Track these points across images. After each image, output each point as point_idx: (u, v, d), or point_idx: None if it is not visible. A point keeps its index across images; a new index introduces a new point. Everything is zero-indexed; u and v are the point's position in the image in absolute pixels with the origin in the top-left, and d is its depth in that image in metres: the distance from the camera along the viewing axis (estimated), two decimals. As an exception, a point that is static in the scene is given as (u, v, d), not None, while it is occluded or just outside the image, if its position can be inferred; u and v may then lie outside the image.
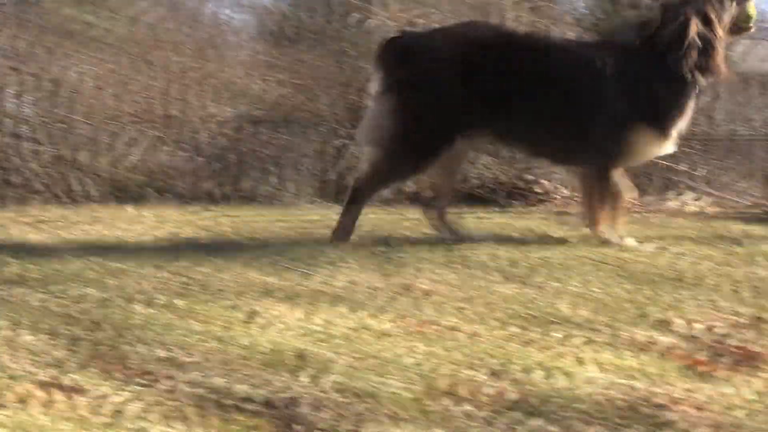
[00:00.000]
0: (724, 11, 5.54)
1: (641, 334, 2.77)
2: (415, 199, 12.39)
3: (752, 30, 5.78)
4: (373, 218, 8.84)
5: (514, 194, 13.06)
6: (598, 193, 5.47)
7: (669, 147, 5.51)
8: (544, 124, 5.46)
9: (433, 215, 5.78)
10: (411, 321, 2.95)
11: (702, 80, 5.43)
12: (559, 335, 2.75)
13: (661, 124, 5.37)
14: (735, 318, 2.99)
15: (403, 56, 5.77)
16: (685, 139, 15.12)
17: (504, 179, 13.04)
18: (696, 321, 2.95)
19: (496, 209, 11.34)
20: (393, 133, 5.56)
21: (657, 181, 13.90)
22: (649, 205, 12.46)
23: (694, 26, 5.42)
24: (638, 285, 3.78)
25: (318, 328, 2.85)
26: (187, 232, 7.01)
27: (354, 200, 5.51)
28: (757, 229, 6.89)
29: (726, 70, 5.50)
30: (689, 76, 5.39)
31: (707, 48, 5.41)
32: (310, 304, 3.26)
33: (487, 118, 5.48)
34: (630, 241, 5.28)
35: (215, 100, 12.01)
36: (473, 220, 8.42)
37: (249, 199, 13.55)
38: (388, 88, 5.64)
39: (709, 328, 2.85)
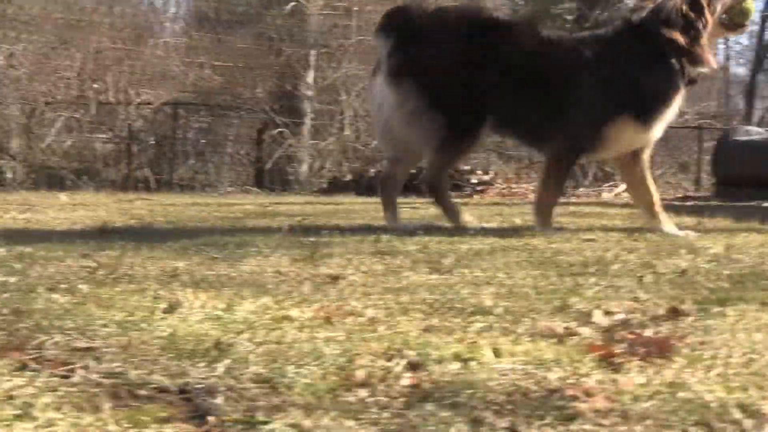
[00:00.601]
0: (719, 6, 5.47)
1: (560, 325, 2.79)
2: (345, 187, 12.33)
3: (747, 29, 5.78)
4: (308, 208, 8.88)
5: (452, 184, 13.18)
6: (548, 180, 5.62)
7: (653, 136, 5.54)
8: (527, 110, 5.56)
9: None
10: (334, 311, 2.96)
11: (690, 69, 5.40)
12: (479, 326, 2.77)
13: (643, 113, 5.36)
14: (653, 309, 3.03)
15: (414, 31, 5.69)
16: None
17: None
18: (615, 312, 2.98)
19: (431, 198, 11.42)
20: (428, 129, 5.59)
21: (592, 172, 14.11)
22: (584, 196, 12.64)
23: (683, 10, 5.36)
24: (563, 275, 3.83)
25: (240, 318, 2.85)
26: (119, 220, 6.98)
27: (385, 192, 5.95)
28: (686, 221, 7.02)
29: (712, 61, 5.45)
30: (676, 63, 5.34)
31: (695, 35, 5.35)
32: (235, 294, 3.26)
33: (488, 104, 5.57)
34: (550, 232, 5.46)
35: (148, 86, 11.93)
36: (408, 210, 8.50)
37: (185, 187, 13.48)
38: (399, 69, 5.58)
39: (627, 320, 2.88)
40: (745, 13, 5.56)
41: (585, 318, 2.93)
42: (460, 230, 5.65)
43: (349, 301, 3.16)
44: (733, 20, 5.55)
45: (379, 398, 2.05)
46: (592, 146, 5.53)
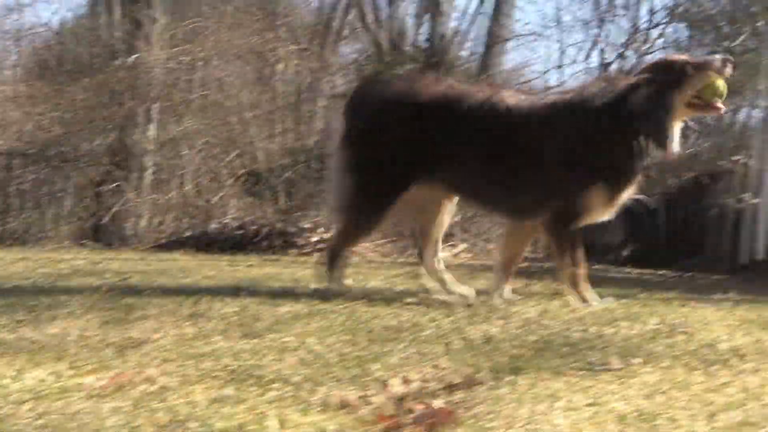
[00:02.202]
0: (685, 80, 5.22)
1: (356, 394, 2.79)
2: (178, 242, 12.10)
3: (721, 110, 5.35)
4: (140, 265, 8.72)
5: (292, 242, 13.16)
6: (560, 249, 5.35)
7: (611, 213, 5.35)
8: (491, 178, 5.41)
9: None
10: (128, 379, 2.90)
11: (653, 152, 5.23)
12: (273, 395, 2.75)
13: (607, 189, 5.21)
14: (451, 377, 3.06)
15: (358, 108, 5.66)
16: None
17: (280, 227, 13.12)
18: (413, 380, 3.00)
19: (272, 256, 11.38)
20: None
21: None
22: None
23: (653, 94, 5.19)
24: (374, 341, 3.84)
25: (27, 387, 2.76)
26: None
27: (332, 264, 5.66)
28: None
29: (673, 148, 5.23)
30: (642, 144, 5.20)
31: (661, 119, 5.18)
32: (30, 359, 3.17)
33: (439, 169, 5.43)
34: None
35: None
36: (244, 269, 8.44)
37: (17, 240, 13.08)
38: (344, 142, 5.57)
39: (423, 388, 2.90)
40: (715, 91, 5.30)
41: (382, 386, 2.94)
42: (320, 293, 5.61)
43: (148, 368, 3.10)
44: (704, 99, 5.27)
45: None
46: (571, 214, 5.35)
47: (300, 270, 8.28)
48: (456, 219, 14.76)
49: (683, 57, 5.42)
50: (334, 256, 5.74)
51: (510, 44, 21.05)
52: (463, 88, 5.63)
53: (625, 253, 11.75)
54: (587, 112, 5.32)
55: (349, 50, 21.51)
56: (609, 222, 8.72)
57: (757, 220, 10.69)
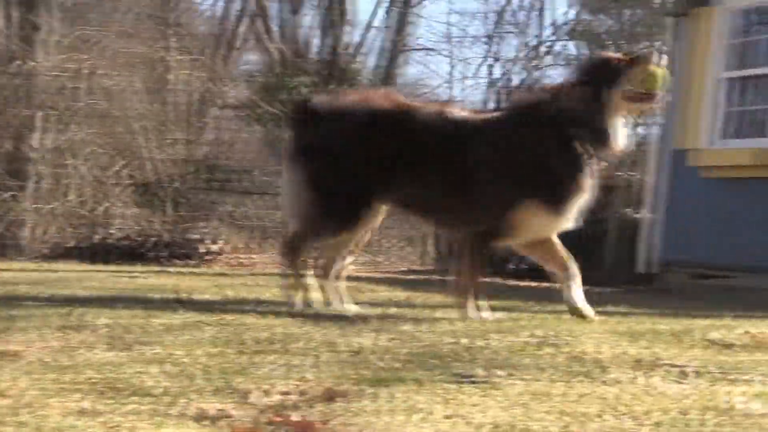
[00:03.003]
0: (618, 82, 5.15)
1: (216, 406, 2.78)
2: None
3: (658, 97, 5.25)
4: (21, 276, 8.53)
5: (179, 253, 13.04)
6: (465, 261, 5.29)
7: (565, 223, 5.24)
8: (434, 193, 5.35)
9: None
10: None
11: (597, 152, 5.15)
12: (131, 408, 2.72)
13: (551, 199, 5.13)
14: (314, 390, 3.06)
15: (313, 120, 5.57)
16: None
17: (167, 237, 13.00)
18: (275, 393, 3.00)
19: (156, 267, 11.24)
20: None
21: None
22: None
23: (584, 91, 5.13)
24: (243, 353, 3.83)
25: None
26: None
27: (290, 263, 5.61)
28: (400, 295, 7.20)
29: (617, 142, 5.18)
30: (582, 147, 5.11)
31: (598, 115, 5.10)
32: None
33: (387, 185, 5.37)
34: (487, 314, 5.23)
35: None
36: (127, 279, 8.32)
37: None
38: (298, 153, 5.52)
39: (284, 401, 2.90)
40: (654, 79, 5.20)
41: (243, 399, 2.93)
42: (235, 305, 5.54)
43: (5, 382, 3.04)
44: (643, 89, 5.19)
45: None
46: (502, 230, 5.29)
47: (184, 281, 8.22)
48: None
49: (616, 54, 5.47)
50: (293, 248, 5.64)
51: (408, 58, 21.20)
52: (409, 104, 5.60)
53: (524, 265, 11.91)
54: (516, 124, 5.30)
55: (244, 61, 21.48)
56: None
57: (652, 233, 10.95)
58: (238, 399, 2.93)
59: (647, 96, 5.24)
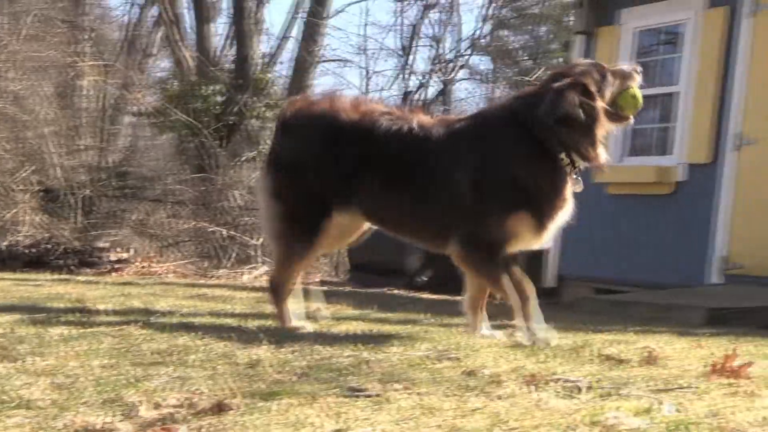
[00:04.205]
0: (606, 86, 4.86)
1: (102, 419, 2.74)
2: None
3: (630, 121, 4.98)
4: None
5: (88, 261, 12.85)
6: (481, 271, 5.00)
7: (545, 238, 4.97)
8: (407, 205, 5.11)
9: None
10: None
11: (580, 162, 4.87)
12: (14, 421, 2.67)
13: (534, 212, 4.83)
14: (205, 402, 3.04)
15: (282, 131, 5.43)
16: (252, 213, 15.20)
17: (76, 245, 12.81)
18: (165, 405, 2.97)
19: (64, 276, 11.07)
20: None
21: (234, 253, 14.20)
22: (223, 277, 12.64)
23: (571, 99, 4.76)
24: (139, 364, 3.78)
25: None
26: None
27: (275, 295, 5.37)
28: (310, 306, 7.16)
29: (601, 157, 4.88)
30: (564, 157, 4.83)
31: (586, 125, 4.77)
32: None
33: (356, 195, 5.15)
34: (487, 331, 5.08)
35: None
36: (31, 288, 8.17)
37: None
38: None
39: (173, 413, 2.87)
40: (632, 102, 4.91)
41: (132, 412, 2.90)
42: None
43: None
44: (620, 107, 4.89)
45: None
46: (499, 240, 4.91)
47: (91, 290, 8.10)
48: (256, 242, 14.77)
49: (604, 64, 5.07)
50: (276, 287, 5.42)
51: (319, 69, 21.20)
52: (378, 111, 5.27)
53: (424, 278, 11.95)
54: (496, 131, 4.99)
55: (157, 68, 21.31)
56: (408, 246, 8.71)
57: (558, 249, 11.08)
58: (127, 412, 2.90)
59: (621, 119, 4.96)
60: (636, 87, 4.94)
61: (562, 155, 4.83)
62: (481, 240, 4.91)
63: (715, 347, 5.06)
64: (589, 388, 3.52)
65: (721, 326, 7.26)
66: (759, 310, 8.32)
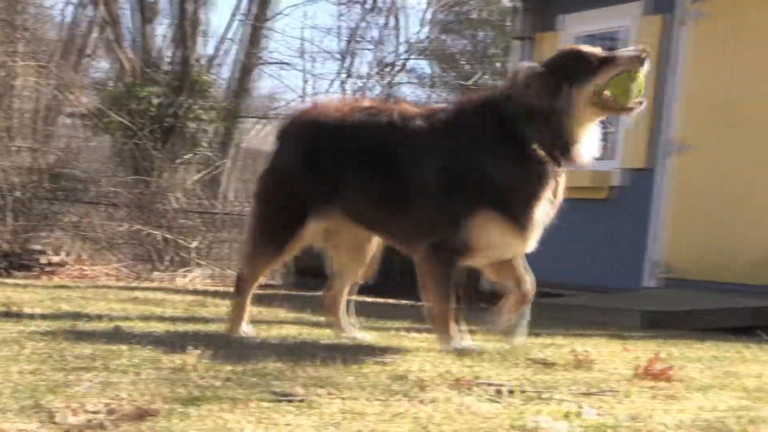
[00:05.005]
0: (586, 80, 4.47)
1: (17, 425, 2.70)
2: None
3: (637, 108, 4.51)
4: None
5: (19, 264, 12.68)
6: (429, 285, 4.69)
7: (526, 240, 4.66)
8: (379, 204, 4.90)
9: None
10: None
11: (559, 160, 4.52)
12: None
13: (506, 212, 4.52)
14: (124, 408, 3.01)
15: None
16: (189, 216, 15.10)
17: (7, 248, 12.63)
18: (83, 411, 2.93)
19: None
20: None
21: (170, 256, 14.09)
22: (157, 280, 12.53)
23: (544, 94, 4.47)
24: (61, 369, 3.74)
25: None
26: None
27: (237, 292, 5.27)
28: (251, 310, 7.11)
29: (580, 154, 4.54)
30: (541, 154, 4.49)
31: (559, 121, 4.45)
32: None
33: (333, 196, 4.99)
34: (467, 343, 4.68)
35: None
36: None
37: None
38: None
39: (91, 420, 2.83)
40: (626, 91, 4.45)
41: (49, 418, 2.86)
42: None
43: None
44: (613, 99, 4.46)
45: None
46: (460, 246, 4.60)
47: (19, 293, 7.98)
48: (193, 245, 14.67)
49: (592, 49, 4.65)
50: (238, 283, 5.35)
51: (261, 72, 21.11)
52: (359, 107, 5.06)
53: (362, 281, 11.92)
54: (465, 126, 4.69)
55: (94, 69, 21.07)
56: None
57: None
58: (44, 418, 2.86)
59: (617, 107, 4.54)
60: (637, 72, 4.47)
61: (536, 150, 4.49)
62: (444, 248, 4.62)
63: (642, 351, 5.11)
64: (512, 392, 3.53)
65: (655, 330, 7.36)
66: (691, 313, 8.44)
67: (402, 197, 4.76)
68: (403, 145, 4.77)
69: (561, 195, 4.72)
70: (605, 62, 4.48)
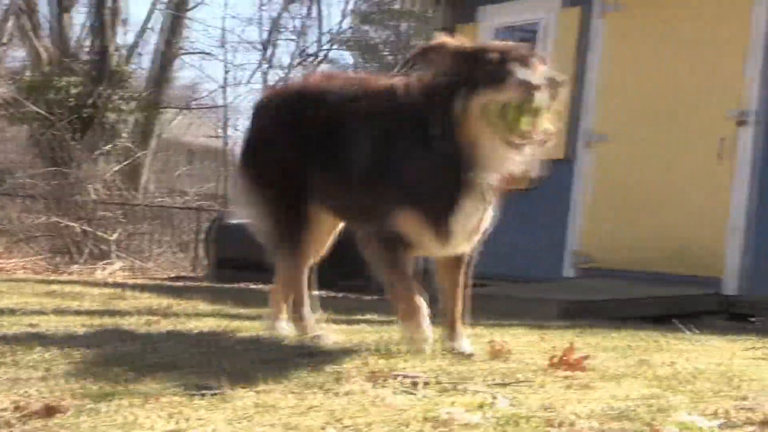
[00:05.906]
0: (473, 92, 3.98)
1: None
2: None
3: (542, 141, 4.12)
4: None
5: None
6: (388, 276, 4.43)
7: (450, 243, 4.41)
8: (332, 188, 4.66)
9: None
10: None
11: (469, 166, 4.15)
12: None
13: (419, 211, 4.24)
14: (32, 405, 2.96)
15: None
16: (109, 207, 14.98)
17: None
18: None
19: None
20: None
21: (89, 249, 13.91)
22: (76, 273, 12.36)
23: (435, 96, 4.08)
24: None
25: None
26: None
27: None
28: (163, 302, 7.04)
29: (489, 165, 4.20)
30: (458, 156, 4.11)
31: (450, 130, 4.04)
32: None
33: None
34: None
35: None
36: None
37: None
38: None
39: (-1, 417, 2.78)
40: (529, 116, 3.94)
41: (-46, 416, 2.80)
42: None
43: None
44: (514, 122, 3.96)
45: None
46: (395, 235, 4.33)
47: None
48: (113, 237, 14.51)
49: (497, 44, 4.20)
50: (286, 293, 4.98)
51: (182, 62, 20.91)
52: (335, 83, 4.75)
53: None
54: (388, 111, 4.36)
55: (9, 58, 20.68)
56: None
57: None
58: (-52, 416, 2.80)
59: (525, 137, 4.03)
60: (529, 102, 3.94)
61: (449, 149, 4.11)
62: (379, 233, 4.37)
63: (559, 340, 5.15)
64: (428, 384, 3.54)
65: (573, 319, 7.43)
66: (608, 302, 8.56)
67: (345, 182, 4.53)
68: (357, 124, 4.48)
69: (491, 200, 4.49)
70: (493, 80, 3.96)
